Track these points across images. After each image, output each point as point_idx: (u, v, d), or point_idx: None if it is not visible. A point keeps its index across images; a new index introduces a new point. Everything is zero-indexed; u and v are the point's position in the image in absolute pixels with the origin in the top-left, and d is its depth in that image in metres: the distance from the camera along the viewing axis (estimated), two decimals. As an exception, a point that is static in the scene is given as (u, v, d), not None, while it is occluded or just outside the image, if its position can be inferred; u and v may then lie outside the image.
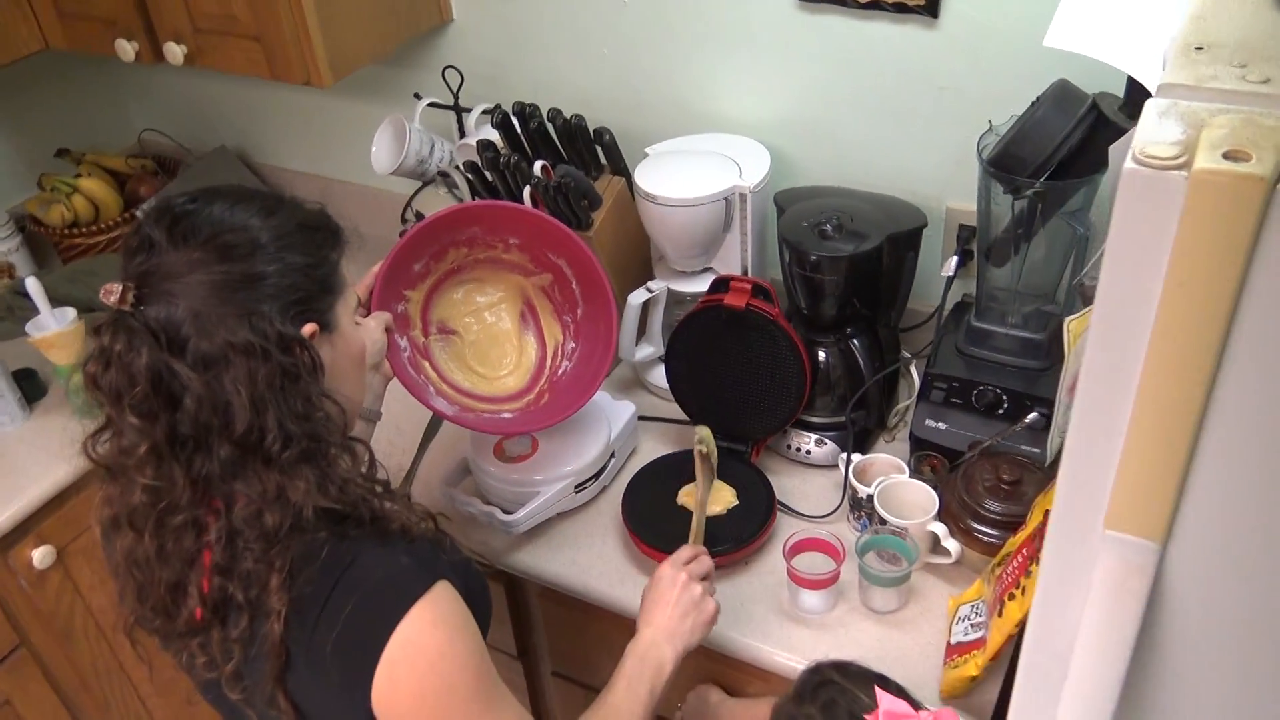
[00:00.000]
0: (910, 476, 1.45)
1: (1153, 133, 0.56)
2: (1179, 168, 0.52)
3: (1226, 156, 0.51)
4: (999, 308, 1.49)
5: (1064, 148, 1.28)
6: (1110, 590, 0.65)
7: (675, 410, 1.65)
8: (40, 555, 1.70)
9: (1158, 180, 0.53)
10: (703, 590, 1.26)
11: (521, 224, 1.43)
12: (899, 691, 0.99)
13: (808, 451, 1.57)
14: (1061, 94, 1.29)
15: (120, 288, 0.96)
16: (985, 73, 1.47)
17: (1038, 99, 1.32)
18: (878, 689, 0.96)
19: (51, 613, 1.76)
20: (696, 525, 1.37)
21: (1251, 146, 0.51)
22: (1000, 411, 1.45)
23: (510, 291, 1.51)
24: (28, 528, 1.69)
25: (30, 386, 1.83)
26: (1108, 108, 1.25)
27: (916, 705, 0.97)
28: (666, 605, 1.24)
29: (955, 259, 1.55)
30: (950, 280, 1.54)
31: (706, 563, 1.30)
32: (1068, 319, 0.70)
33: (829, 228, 1.47)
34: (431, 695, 0.99)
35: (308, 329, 1.01)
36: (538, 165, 1.59)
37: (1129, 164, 0.53)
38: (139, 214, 2.09)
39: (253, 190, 1.06)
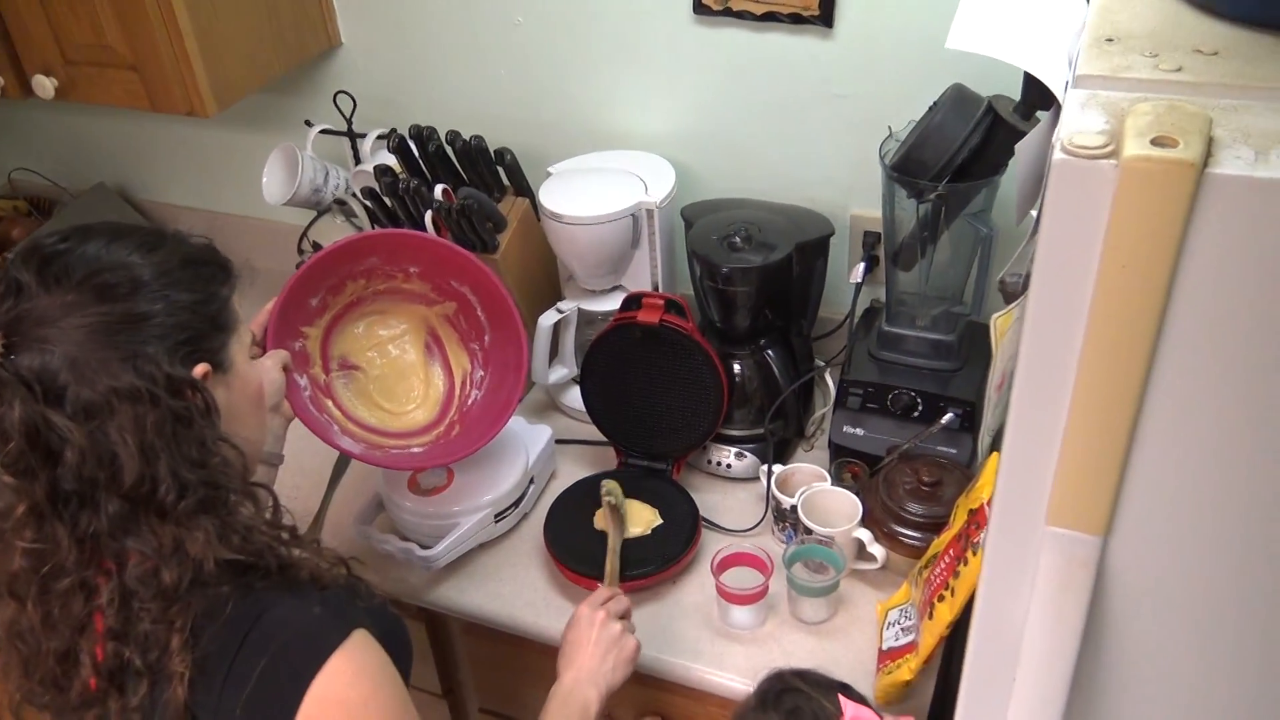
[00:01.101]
0: (832, 484, 1.45)
1: (1077, 123, 0.55)
2: (1108, 156, 0.52)
3: (1154, 143, 0.51)
4: (908, 311, 1.50)
5: (964, 150, 1.29)
6: (1055, 586, 0.64)
7: (593, 431, 1.62)
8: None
9: (1088, 169, 0.52)
10: (621, 628, 1.24)
11: (421, 252, 1.39)
12: (861, 700, 0.98)
13: (728, 465, 1.56)
14: (958, 98, 1.31)
15: None
16: (881, 79, 1.48)
17: (935, 104, 1.33)
18: (841, 696, 0.95)
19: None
20: (611, 570, 1.36)
21: (1178, 132, 0.52)
22: (916, 414, 1.46)
23: (414, 322, 1.46)
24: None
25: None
26: (1003, 109, 1.27)
27: (879, 713, 0.96)
28: (586, 644, 1.21)
29: (862, 265, 1.56)
30: (859, 286, 1.55)
31: (624, 602, 1.28)
32: (994, 316, 0.69)
33: (738, 239, 1.46)
34: None
35: (199, 370, 0.95)
36: (438, 189, 1.55)
37: (1058, 154, 0.53)
38: (8, 257, 1.98)
39: (131, 226, 1.00)
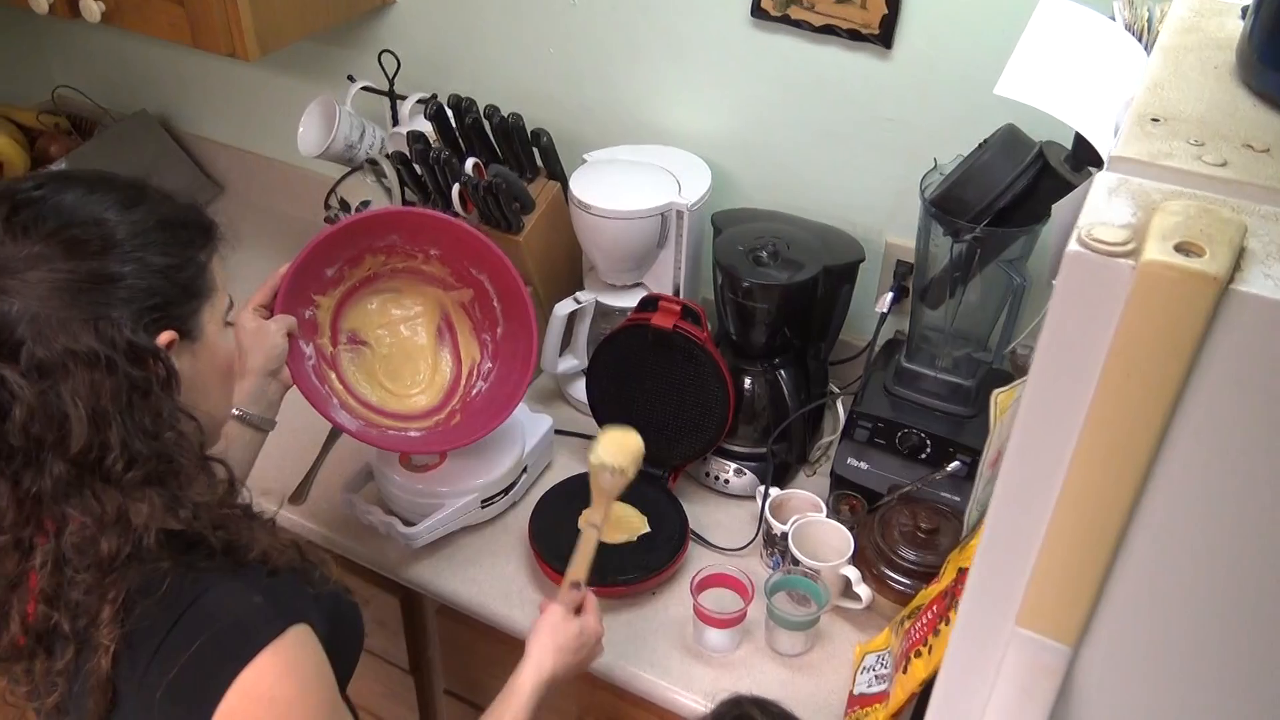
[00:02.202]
0: (828, 515, 1.41)
1: (1102, 212, 0.51)
2: (1127, 255, 0.48)
3: (1178, 249, 0.47)
4: (930, 349, 1.45)
5: (1007, 194, 1.25)
6: (1016, 689, 0.60)
7: (596, 426, 1.59)
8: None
9: (1103, 267, 0.48)
10: (578, 625, 1.19)
11: (444, 234, 1.36)
12: None
13: (726, 481, 1.53)
14: (1009, 139, 1.26)
15: None
16: (934, 108, 1.43)
17: (985, 142, 1.29)
18: None
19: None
20: (583, 557, 1.23)
21: (1205, 240, 0.47)
22: (923, 456, 1.41)
23: (428, 305, 1.44)
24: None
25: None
26: (1054, 158, 1.22)
27: None
28: (549, 639, 1.17)
29: (891, 295, 1.52)
30: (884, 316, 1.51)
31: (591, 600, 1.22)
32: (995, 392, 0.65)
33: (764, 254, 1.42)
34: None
35: (164, 338, 0.91)
36: (469, 163, 1.52)
37: (1073, 245, 0.49)
38: (46, 174, 1.97)
39: (112, 177, 0.95)
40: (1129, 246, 0.48)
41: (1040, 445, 0.54)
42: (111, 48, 2.10)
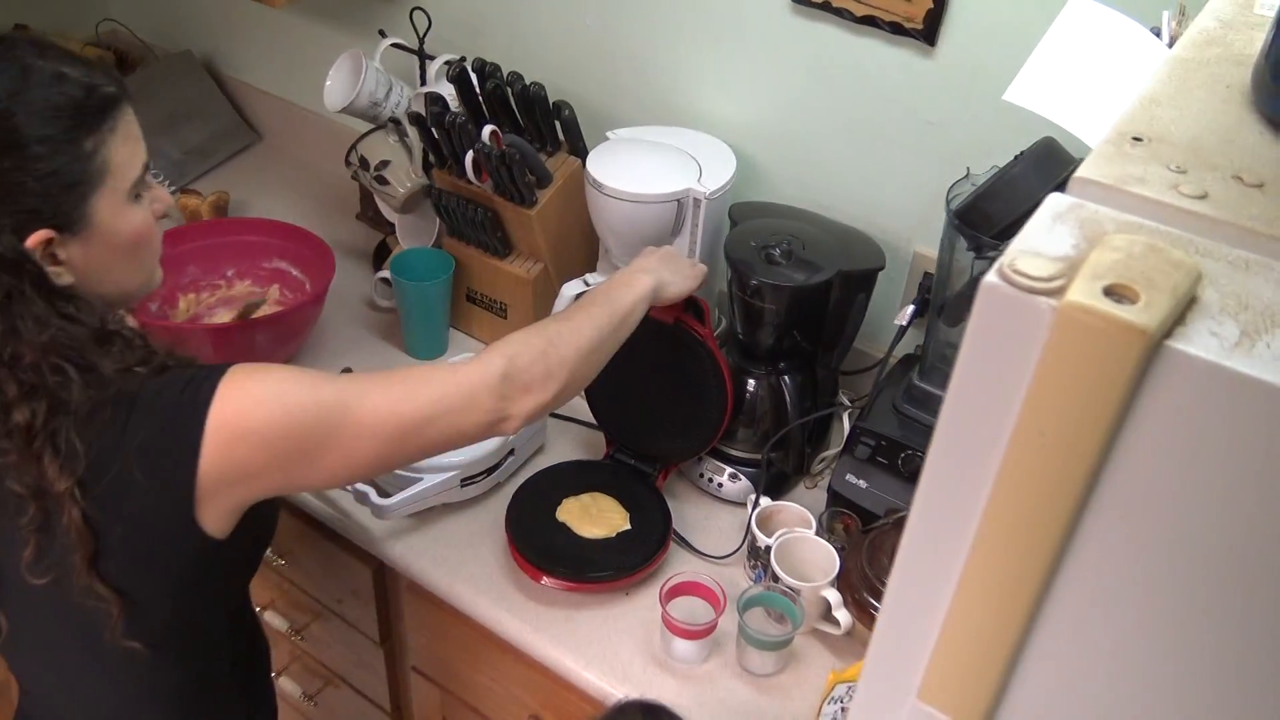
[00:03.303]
0: (818, 532, 1.34)
1: (1037, 240, 0.44)
2: (1050, 294, 0.41)
3: (1108, 292, 0.39)
4: (945, 370, 1.36)
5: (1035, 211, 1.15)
6: (915, 767, 0.53)
7: (590, 412, 1.54)
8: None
9: (1020, 305, 0.41)
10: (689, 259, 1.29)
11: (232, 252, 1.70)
12: None
13: (719, 484, 1.46)
14: (1045, 153, 1.17)
15: None
16: (975, 113, 1.34)
17: (1021, 154, 1.20)
18: None
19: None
20: None
21: (1143, 284, 0.40)
22: (925, 481, 1.33)
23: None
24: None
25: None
26: (1091, 177, 1.12)
27: None
28: (649, 257, 1.26)
29: (912, 308, 1.42)
30: (903, 330, 1.42)
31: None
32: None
33: (777, 252, 1.34)
34: (279, 424, 0.93)
35: (35, 238, 0.90)
36: (486, 130, 1.47)
37: (990, 276, 0.42)
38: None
39: (10, 46, 0.91)
40: (1055, 284, 0.41)
41: (945, 504, 0.47)
42: (160, -16, 2.10)
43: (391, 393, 0.99)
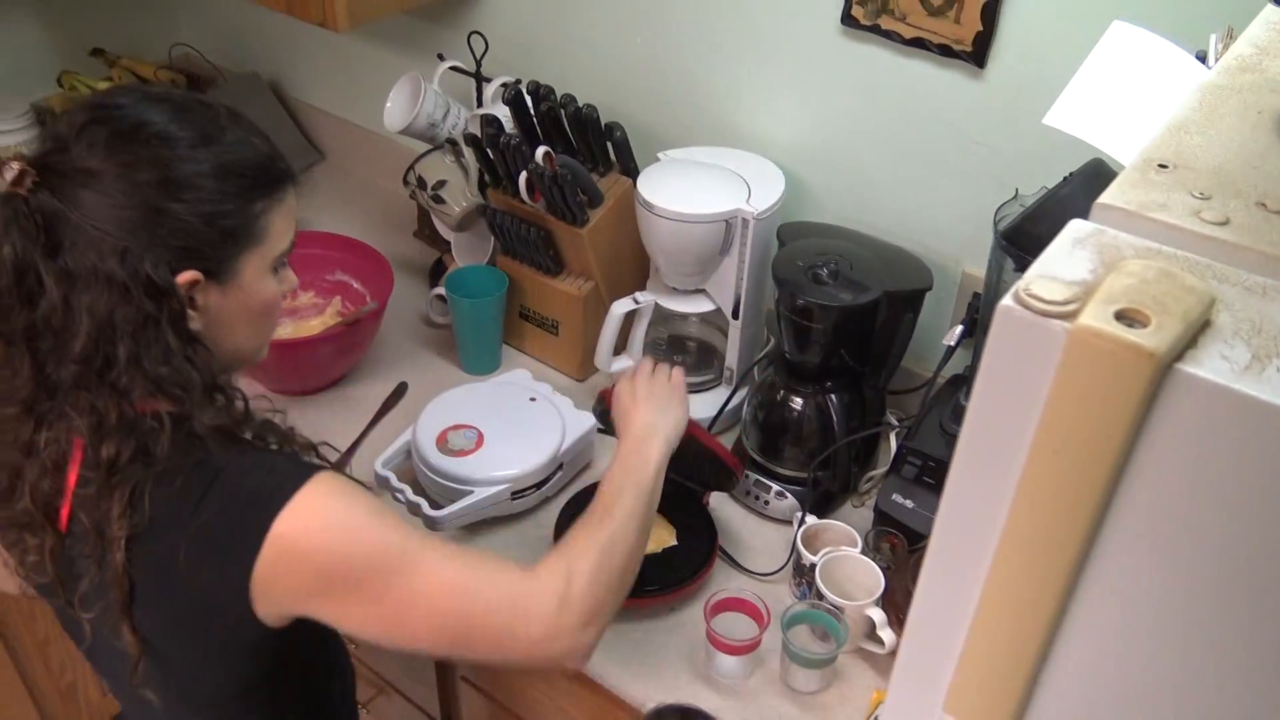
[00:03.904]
0: (864, 551, 1.34)
1: (1055, 264, 0.45)
2: (1065, 317, 0.42)
3: (1120, 316, 0.41)
4: (993, 390, 1.37)
5: (1084, 233, 1.16)
6: (940, 779, 0.55)
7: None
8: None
9: (1035, 328, 0.42)
10: (657, 373, 1.25)
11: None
12: None
13: (766, 502, 1.47)
14: (1094, 174, 1.17)
15: (19, 169, 0.89)
16: (1024, 135, 1.34)
17: (1069, 175, 1.20)
18: None
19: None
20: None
21: (1155, 308, 0.41)
22: (972, 501, 1.33)
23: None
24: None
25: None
26: (1139, 199, 1.12)
27: None
28: (633, 409, 1.21)
29: (961, 328, 1.43)
30: (950, 350, 1.42)
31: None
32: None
33: (824, 272, 1.36)
34: (338, 554, 0.93)
35: (185, 277, 0.93)
36: (540, 151, 1.50)
37: (1008, 299, 0.43)
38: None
39: (200, 108, 0.97)
40: (1069, 308, 0.42)
41: (966, 520, 0.48)
42: (230, 10, 2.17)
43: (453, 565, 0.98)
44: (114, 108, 0.93)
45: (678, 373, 1.27)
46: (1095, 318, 0.41)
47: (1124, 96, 0.79)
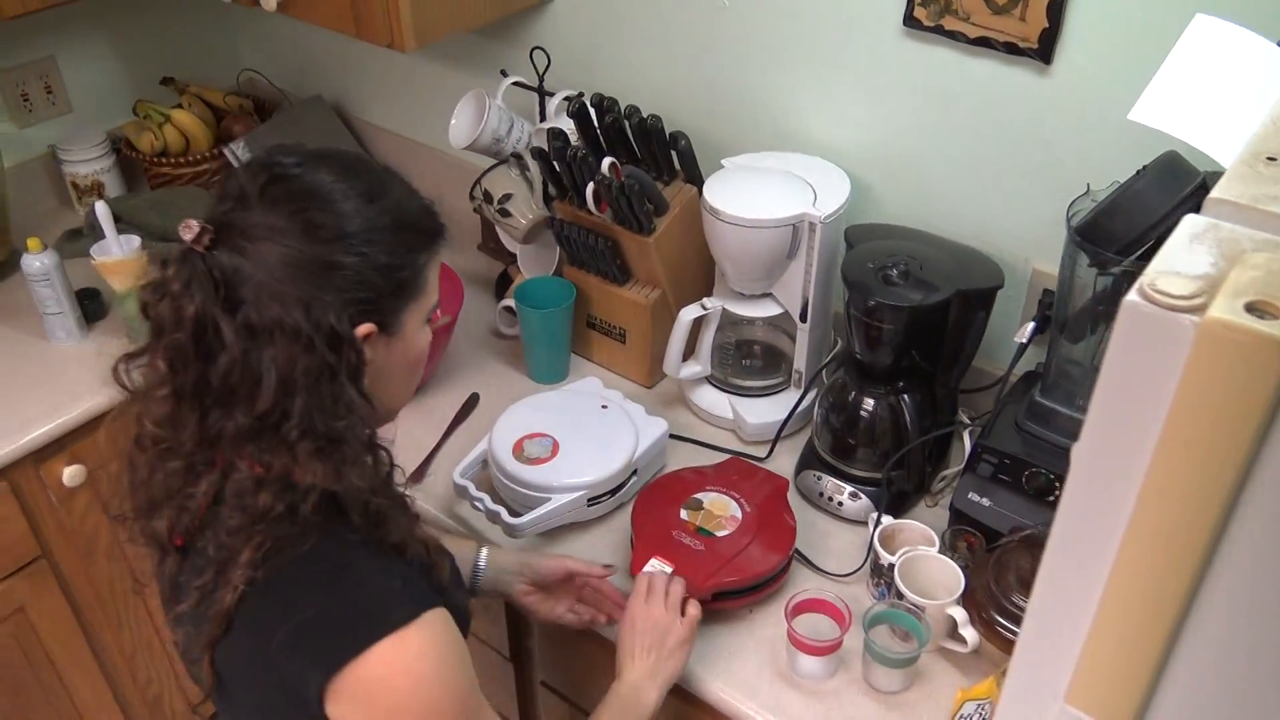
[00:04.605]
0: (941, 551, 1.34)
1: (1175, 259, 0.46)
2: (1192, 311, 0.43)
3: (1250, 309, 0.41)
4: (1068, 386, 1.36)
5: (1161, 226, 1.15)
6: (1062, 770, 0.55)
7: (713, 433, 1.59)
8: (71, 474, 1.72)
9: (1162, 322, 0.43)
10: (668, 618, 1.22)
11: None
12: None
13: (840, 504, 1.48)
14: (1168, 167, 1.17)
15: (199, 227, 0.92)
16: (1093, 131, 1.34)
17: (1143, 168, 1.20)
18: None
19: (75, 530, 1.79)
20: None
21: (1284, 300, 0.42)
22: (1051, 499, 1.33)
23: None
24: (63, 445, 1.71)
25: (92, 306, 1.85)
26: (1217, 190, 1.12)
27: None
28: (634, 647, 1.21)
29: (1032, 325, 1.43)
30: (1023, 347, 1.42)
31: (677, 583, 1.26)
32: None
33: (895, 272, 1.36)
34: (411, 711, 0.93)
35: (363, 329, 0.95)
36: (606, 162, 1.53)
37: (1132, 295, 0.44)
38: (226, 151, 2.10)
39: (364, 166, 1.00)
40: (1196, 301, 0.43)
41: (1092, 511, 0.49)
42: (292, 35, 2.22)
43: None
44: (287, 166, 0.96)
45: (693, 610, 1.24)
46: (1225, 310, 0.41)
47: (1211, 90, 0.79)
